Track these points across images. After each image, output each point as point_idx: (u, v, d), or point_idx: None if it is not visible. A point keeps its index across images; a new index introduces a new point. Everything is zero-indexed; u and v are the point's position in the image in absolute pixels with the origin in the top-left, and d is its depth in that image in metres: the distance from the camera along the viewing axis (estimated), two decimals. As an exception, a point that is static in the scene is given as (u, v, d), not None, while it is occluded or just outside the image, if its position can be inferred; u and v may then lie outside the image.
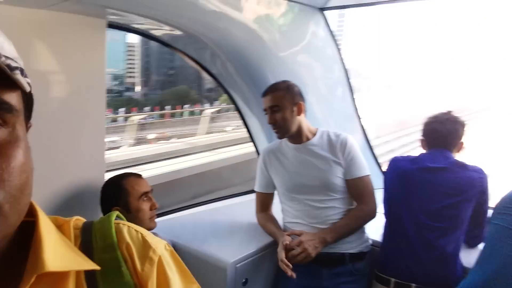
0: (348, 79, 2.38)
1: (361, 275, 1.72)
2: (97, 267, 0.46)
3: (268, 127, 2.19)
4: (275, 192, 1.90)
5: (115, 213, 0.56)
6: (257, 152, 2.40)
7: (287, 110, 1.68)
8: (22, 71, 0.42)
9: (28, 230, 0.47)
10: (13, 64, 0.39)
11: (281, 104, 1.68)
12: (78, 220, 0.53)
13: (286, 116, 1.68)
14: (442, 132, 1.75)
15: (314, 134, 1.77)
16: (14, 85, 0.40)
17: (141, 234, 0.54)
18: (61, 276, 0.45)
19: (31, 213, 0.48)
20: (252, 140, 2.36)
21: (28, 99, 0.46)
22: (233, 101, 2.26)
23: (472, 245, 1.78)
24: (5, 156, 0.39)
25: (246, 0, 1.76)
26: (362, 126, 2.50)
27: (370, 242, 1.80)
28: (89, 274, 0.47)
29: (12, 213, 0.39)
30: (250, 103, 2.22)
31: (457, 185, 1.64)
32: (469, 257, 1.65)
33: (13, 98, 0.41)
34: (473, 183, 1.65)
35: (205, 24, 1.81)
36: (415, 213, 1.66)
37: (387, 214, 1.80)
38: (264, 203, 1.90)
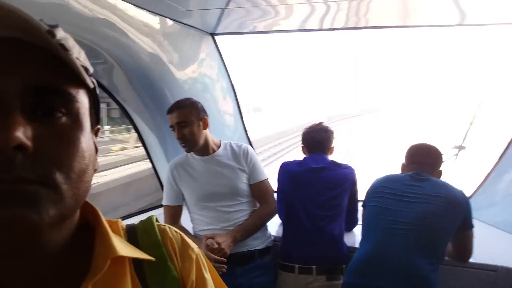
0: (236, 98, 2.65)
1: (269, 267, 1.97)
2: (152, 259, 0.51)
3: (166, 144, 2.28)
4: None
5: (154, 216, 0.60)
6: (154, 168, 2.44)
7: (194, 125, 1.82)
8: (87, 70, 0.45)
9: (85, 232, 0.50)
10: (73, 53, 0.42)
11: (188, 119, 1.81)
12: (120, 222, 0.57)
13: (193, 131, 1.82)
14: (318, 139, 2.17)
15: (218, 146, 1.96)
16: (82, 83, 0.43)
17: (180, 234, 0.59)
18: (119, 267, 0.48)
19: (87, 216, 0.52)
20: (149, 157, 2.40)
21: (94, 100, 0.49)
22: (130, 120, 2.27)
23: (350, 228, 2.24)
24: (66, 141, 0.40)
25: (145, 24, 1.86)
26: (248, 138, 2.80)
27: (273, 238, 2.06)
28: (138, 269, 0.51)
29: (70, 195, 0.40)
30: (149, 121, 2.26)
31: (336, 180, 2.06)
32: (349, 239, 2.08)
33: (78, 92, 0.43)
34: (347, 177, 2.09)
35: (108, 40, 1.83)
36: (307, 206, 2.00)
37: (283, 211, 2.10)
38: (174, 215, 1.98)
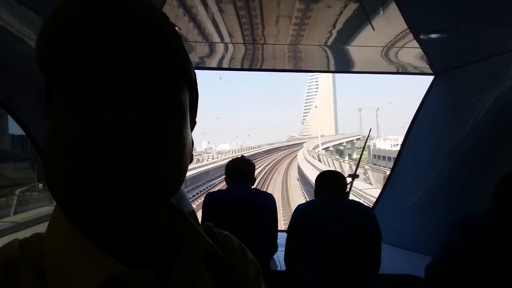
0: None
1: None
2: (223, 256, 0.55)
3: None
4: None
5: (209, 224, 0.65)
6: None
7: None
8: (189, 61, 0.50)
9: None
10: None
11: None
12: None
13: None
14: (241, 170, 2.52)
15: None
16: (185, 74, 0.48)
17: (236, 238, 0.65)
18: (198, 260, 0.52)
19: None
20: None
21: (193, 93, 0.52)
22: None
23: (272, 253, 2.59)
24: (170, 128, 0.44)
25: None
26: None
27: None
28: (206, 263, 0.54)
29: (170, 180, 0.43)
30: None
31: (259, 206, 2.38)
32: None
33: (182, 82, 0.48)
34: (268, 203, 2.44)
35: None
36: (233, 231, 2.35)
37: None
38: None
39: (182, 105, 0.46)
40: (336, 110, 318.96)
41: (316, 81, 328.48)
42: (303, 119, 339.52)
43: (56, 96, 0.42)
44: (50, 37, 0.40)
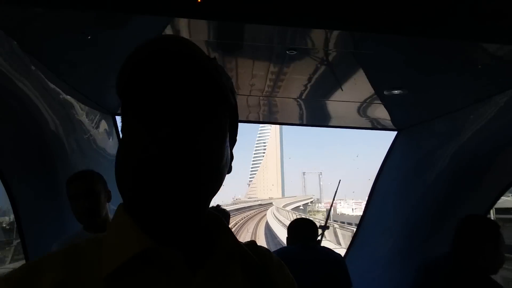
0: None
1: None
2: (255, 258, 0.64)
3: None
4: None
5: (254, 240, 0.74)
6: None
7: (102, 195, 1.89)
8: (233, 91, 0.62)
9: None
10: (222, 77, 0.57)
11: (97, 189, 1.87)
12: None
13: (101, 201, 1.88)
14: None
15: None
16: (227, 102, 0.58)
17: (275, 255, 0.73)
18: (232, 259, 0.62)
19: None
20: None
21: (233, 117, 0.64)
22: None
23: None
24: (212, 143, 0.55)
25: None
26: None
27: None
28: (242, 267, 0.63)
29: (208, 186, 0.55)
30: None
31: None
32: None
33: (224, 108, 0.59)
34: None
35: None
36: None
37: None
38: None
39: (222, 127, 0.58)
40: (283, 172, 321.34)
41: (264, 143, 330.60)
42: (250, 181, 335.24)
43: (129, 116, 0.55)
44: (122, 66, 0.53)
